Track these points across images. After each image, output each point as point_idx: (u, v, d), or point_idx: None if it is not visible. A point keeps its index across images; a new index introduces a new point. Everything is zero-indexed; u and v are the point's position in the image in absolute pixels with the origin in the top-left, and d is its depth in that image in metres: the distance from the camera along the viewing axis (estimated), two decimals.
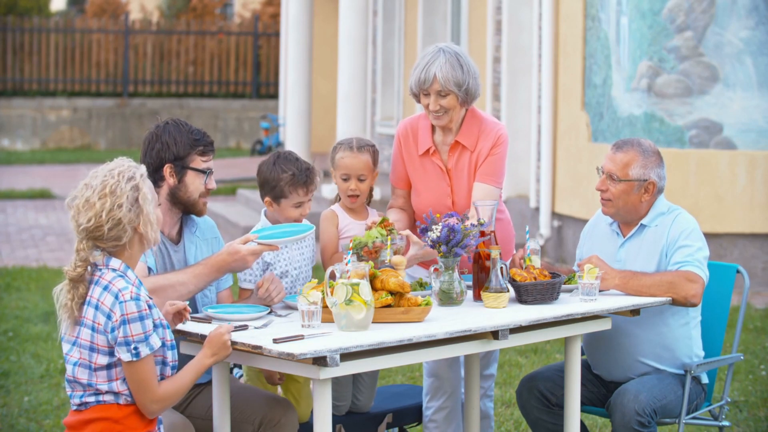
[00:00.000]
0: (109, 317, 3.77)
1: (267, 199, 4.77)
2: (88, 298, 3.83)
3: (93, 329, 3.81)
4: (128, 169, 3.87)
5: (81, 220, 3.80)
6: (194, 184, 4.46)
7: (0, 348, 8.06)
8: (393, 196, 5.22)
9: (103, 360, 3.81)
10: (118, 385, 3.83)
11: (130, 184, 3.83)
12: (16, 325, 8.72)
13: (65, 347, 3.90)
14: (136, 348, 3.76)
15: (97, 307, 3.80)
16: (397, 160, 5.16)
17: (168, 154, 4.45)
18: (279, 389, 4.90)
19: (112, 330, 3.77)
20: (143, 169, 3.93)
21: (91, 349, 3.82)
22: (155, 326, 3.82)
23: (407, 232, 4.79)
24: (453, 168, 5.07)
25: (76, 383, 3.87)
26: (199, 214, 4.56)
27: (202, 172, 4.47)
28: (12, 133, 24.96)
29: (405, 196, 5.19)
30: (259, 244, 4.39)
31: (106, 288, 3.80)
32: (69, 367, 3.89)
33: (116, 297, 3.77)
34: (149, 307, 3.81)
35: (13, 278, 10.75)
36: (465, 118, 5.06)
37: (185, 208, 4.51)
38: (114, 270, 3.83)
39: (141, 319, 3.77)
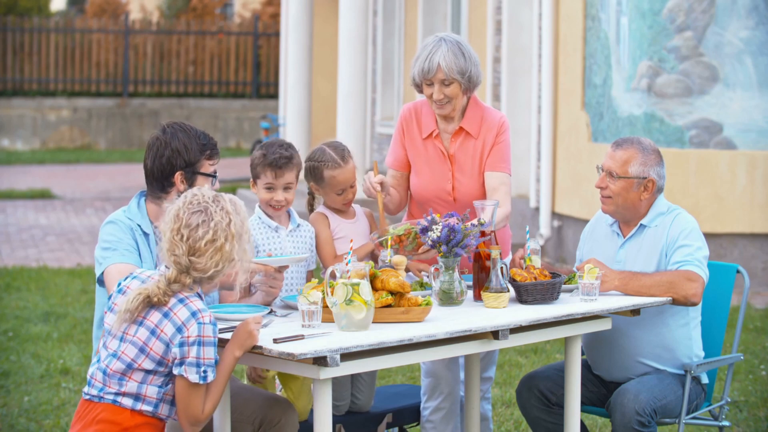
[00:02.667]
0: (179, 330, 3.75)
1: (251, 179, 4.83)
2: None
3: (153, 333, 3.77)
4: (231, 202, 3.86)
5: (206, 264, 3.78)
6: None
7: (0, 348, 8.05)
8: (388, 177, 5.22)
9: (148, 365, 3.79)
10: (147, 389, 3.81)
11: (245, 227, 3.86)
12: (16, 325, 8.72)
13: (113, 343, 3.84)
14: (205, 372, 3.76)
15: (166, 315, 3.77)
16: (397, 143, 5.17)
17: (180, 161, 4.40)
18: (278, 387, 4.91)
19: (181, 344, 3.74)
20: (232, 197, 3.92)
21: (141, 350, 3.79)
22: None
23: None
24: (455, 153, 5.09)
25: (104, 374, 3.81)
26: None
27: (211, 176, 4.47)
28: (12, 133, 24.96)
29: (399, 178, 5.18)
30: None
31: (182, 301, 3.78)
32: (107, 358, 3.83)
33: (194, 315, 3.76)
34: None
35: (13, 278, 10.74)
36: (468, 105, 5.10)
37: None
38: (190, 288, 3.84)
39: (214, 345, 3.78)
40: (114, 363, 3.81)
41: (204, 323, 3.75)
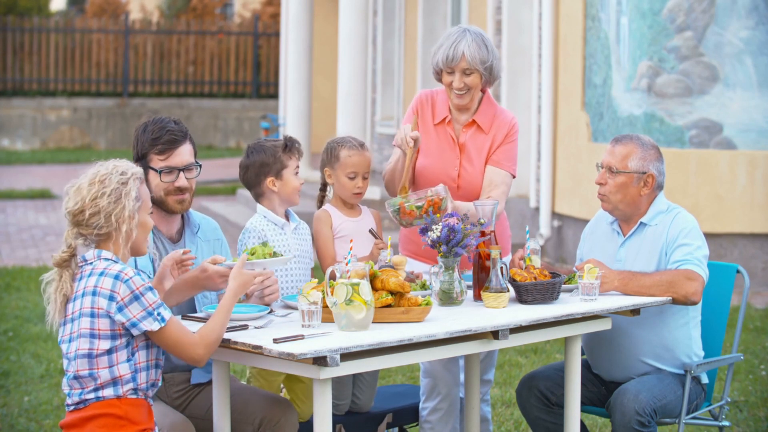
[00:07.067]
0: (111, 298, 3.82)
1: (270, 179, 4.79)
2: (82, 290, 3.86)
3: (92, 315, 3.84)
4: (124, 165, 3.97)
5: (69, 204, 3.91)
6: (153, 182, 4.48)
7: (0, 348, 8.06)
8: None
9: (105, 345, 3.84)
10: (119, 369, 3.86)
11: (119, 178, 3.92)
12: (16, 325, 8.72)
13: (64, 347, 3.93)
14: (159, 314, 3.84)
15: (94, 293, 3.83)
16: (411, 115, 5.19)
17: (134, 153, 4.55)
18: (282, 389, 4.90)
19: (120, 309, 3.81)
20: (140, 172, 3.99)
21: (92, 336, 3.84)
22: None
23: (442, 186, 4.81)
24: (465, 143, 5.17)
25: (76, 380, 3.88)
26: (172, 211, 4.55)
27: (156, 170, 4.48)
28: (12, 133, 24.96)
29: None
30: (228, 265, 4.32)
31: (102, 274, 3.85)
32: (67, 363, 3.91)
33: (116, 278, 3.83)
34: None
35: (13, 278, 10.75)
36: (482, 100, 5.20)
37: (158, 206, 4.51)
38: (107, 259, 3.90)
39: (150, 290, 3.85)
40: (77, 363, 3.86)
41: (129, 278, 3.83)
